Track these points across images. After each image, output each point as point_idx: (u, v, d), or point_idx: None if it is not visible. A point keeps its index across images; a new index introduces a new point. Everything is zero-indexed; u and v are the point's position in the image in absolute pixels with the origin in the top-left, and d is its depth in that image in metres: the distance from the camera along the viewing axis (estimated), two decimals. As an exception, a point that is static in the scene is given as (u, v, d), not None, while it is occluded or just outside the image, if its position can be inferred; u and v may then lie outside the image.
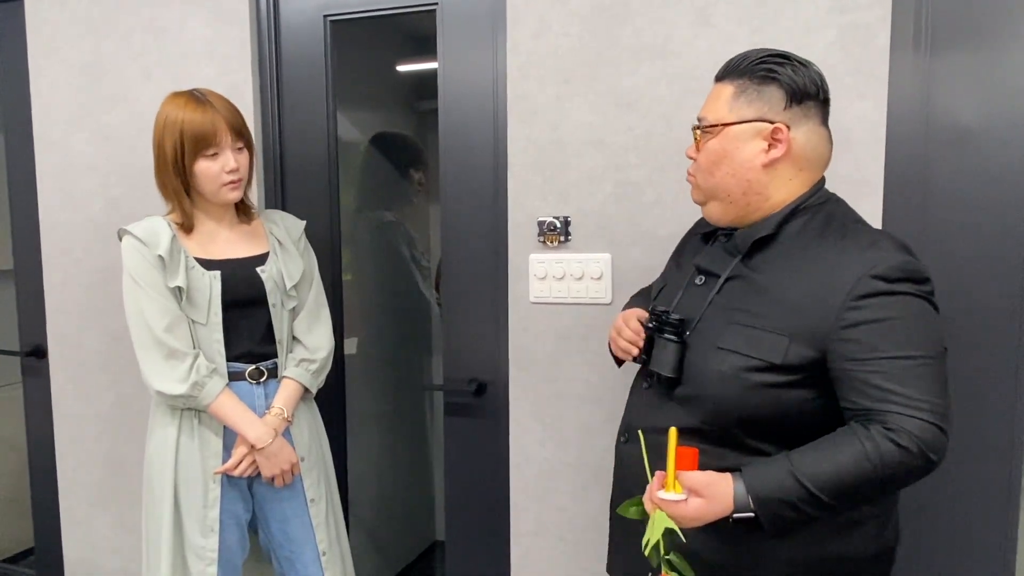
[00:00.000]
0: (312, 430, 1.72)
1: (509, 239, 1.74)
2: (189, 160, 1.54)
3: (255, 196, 1.88)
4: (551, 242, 1.70)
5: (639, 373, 1.29)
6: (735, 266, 1.14)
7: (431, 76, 1.84)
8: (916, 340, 0.98)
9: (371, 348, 2.43)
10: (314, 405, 1.77)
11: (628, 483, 1.22)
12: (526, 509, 1.79)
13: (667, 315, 1.16)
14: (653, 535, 1.03)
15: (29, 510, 2.46)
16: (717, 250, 1.19)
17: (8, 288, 2.40)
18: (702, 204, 1.19)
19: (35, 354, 2.35)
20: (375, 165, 2.50)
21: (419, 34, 2.18)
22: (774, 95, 1.09)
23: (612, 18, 1.60)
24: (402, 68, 2.65)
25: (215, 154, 1.55)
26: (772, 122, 1.08)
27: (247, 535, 1.69)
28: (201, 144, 1.53)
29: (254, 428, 1.57)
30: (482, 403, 1.86)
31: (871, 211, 1.44)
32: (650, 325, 1.19)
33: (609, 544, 1.34)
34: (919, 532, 1.51)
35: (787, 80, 1.08)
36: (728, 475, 1.02)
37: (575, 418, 1.73)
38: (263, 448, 1.57)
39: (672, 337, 1.15)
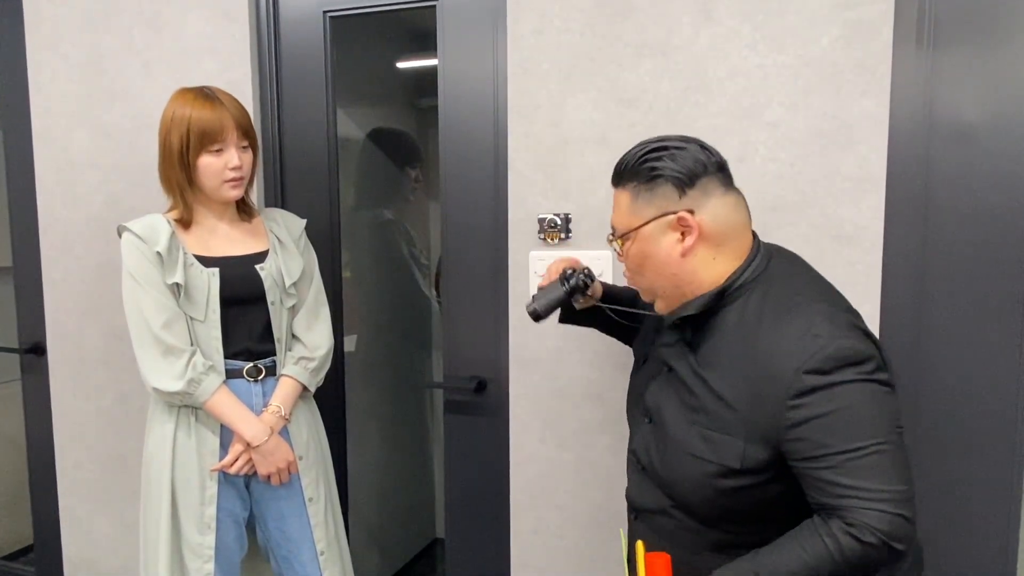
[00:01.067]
0: (311, 429, 1.72)
1: (509, 236, 1.73)
2: (193, 154, 1.54)
3: (255, 193, 1.87)
4: (552, 239, 1.69)
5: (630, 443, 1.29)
6: (688, 358, 1.13)
7: (431, 73, 1.83)
8: (865, 428, 0.96)
9: (371, 346, 2.43)
10: (313, 404, 1.76)
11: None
12: (526, 507, 1.79)
13: (577, 274, 1.28)
14: None
15: (28, 508, 2.46)
16: (673, 335, 1.17)
17: (7, 285, 2.39)
18: (652, 302, 1.19)
19: (34, 351, 2.35)
20: (371, 162, 2.49)
21: (419, 30, 2.17)
22: (664, 189, 1.08)
23: (614, 14, 1.59)
24: (402, 65, 2.64)
25: (220, 150, 1.55)
26: (675, 212, 1.07)
27: (245, 533, 1.68)
28: (207, 139, 1.54)
29: (250, 426, 1.56)
30: (482, 401, 1.85)
31: (874, 208, 1.44)
32: (568, 272, 1.31)
33: None
34: (920, 532, 1.50)
35: (670, 172, 1.07)
36: None
37: (576, 416, 1.72)
38: (259, 446, 1.56)
39: (567, 285, 1.27)
